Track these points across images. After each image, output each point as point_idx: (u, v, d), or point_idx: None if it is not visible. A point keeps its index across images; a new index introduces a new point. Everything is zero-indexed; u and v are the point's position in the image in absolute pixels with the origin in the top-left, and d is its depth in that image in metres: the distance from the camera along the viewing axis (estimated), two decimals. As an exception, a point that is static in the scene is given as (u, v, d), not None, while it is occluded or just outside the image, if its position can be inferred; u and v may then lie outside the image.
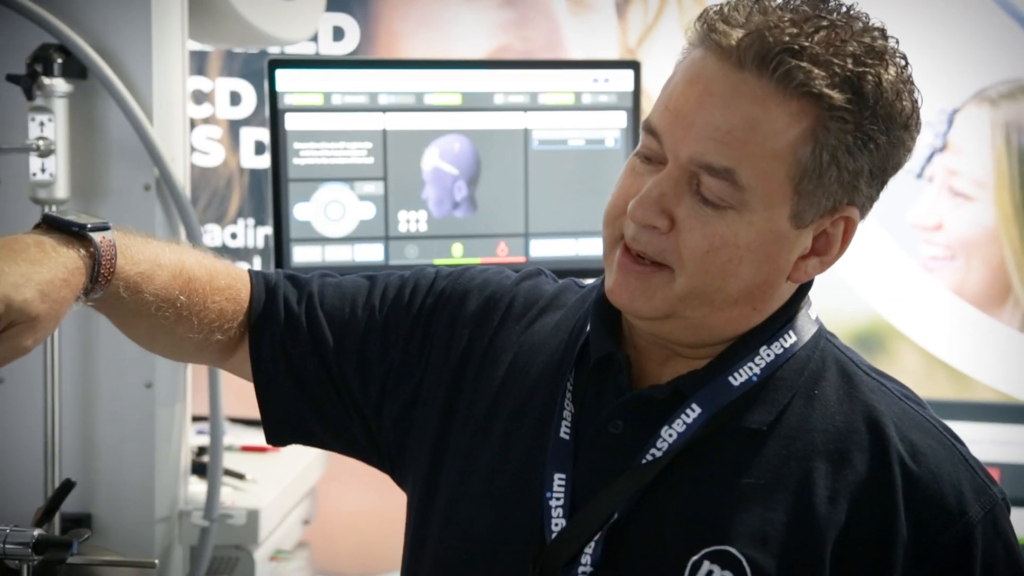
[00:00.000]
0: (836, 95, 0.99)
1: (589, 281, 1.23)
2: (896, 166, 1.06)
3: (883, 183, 1.06)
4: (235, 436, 2.41)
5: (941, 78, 2.73)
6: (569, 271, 2.17)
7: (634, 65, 2.10)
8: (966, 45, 2.72)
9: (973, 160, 2.75)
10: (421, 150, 2.02)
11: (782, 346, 1.09)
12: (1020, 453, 2.77)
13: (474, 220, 2.05)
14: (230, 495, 2.02)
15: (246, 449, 2.37)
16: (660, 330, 1.08)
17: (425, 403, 1.18)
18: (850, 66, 0.99)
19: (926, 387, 2.79)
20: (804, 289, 1.11)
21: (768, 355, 1.08)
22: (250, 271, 1.26)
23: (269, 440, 1.26)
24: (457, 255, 2.06)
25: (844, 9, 1.03)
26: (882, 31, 1.04)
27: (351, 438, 1.24)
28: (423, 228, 2.04)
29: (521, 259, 2.08)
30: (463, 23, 2.91)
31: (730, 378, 1.07)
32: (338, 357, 1.21)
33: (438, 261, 2.05)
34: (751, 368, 1.08)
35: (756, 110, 0.99)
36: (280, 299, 1.23)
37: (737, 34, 0.99)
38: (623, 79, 2.08)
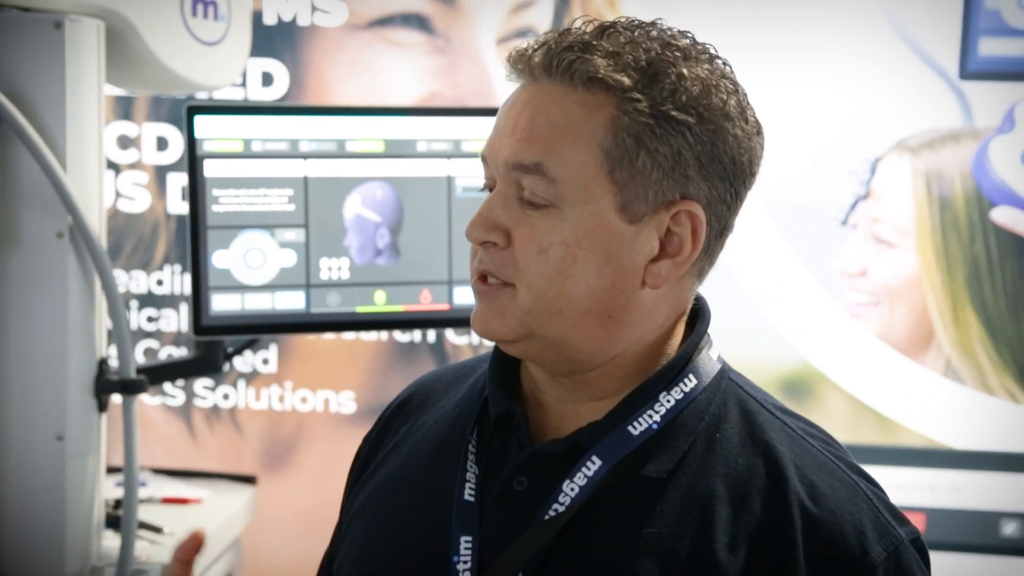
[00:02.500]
0: (623, 78, 1.02)
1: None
2: (734, 161, 1.05)
3: (726, 180, 1.05)
4: (157, 487, 2.36)
5: (863, 127, 2.78)
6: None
7: (557, 113, 2.11)
8: (888, 96, 2.77)
9: (895, 208, 2.79)
10: (343, 197, 2.01)
11: (682, 391, 1.08)
12: (945, 497, 2.79)
13: (397, 267, 2.04)
14: (146, 549, 1.98)
15: (167, 501, 2.32)
16: (527, 354, 1.09)
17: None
18: (641, 55, 1.03)
19: (853, 432, 2.81)
20: (701, 328, 1.11)
21: (668, 401, 1.07)
22: None
23: None
24: (380, 302, 2.04)
25: (647, 23, 1.07)
26: (691, 36, 1.07)
27: None
28: (345, 276, 2.02)
29: (445, 306, 2.07)
30: (393, 69, 2.91)
31: (629, 428, 1.06)
32: None
33: (360, 309, 2.03)
34: (651, 416, 1.07)
35: (553, 108, 1.03)
36: None
37: (528, 53, 1.05)
38: (547, 127, 2.09)
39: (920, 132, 2.78)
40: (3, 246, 1.80)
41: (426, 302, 2.06)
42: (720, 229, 1.08)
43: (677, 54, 1.04)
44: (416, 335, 2.95)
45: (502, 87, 3.07)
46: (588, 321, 1.05)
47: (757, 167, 1.08)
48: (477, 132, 2.07)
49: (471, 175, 2.06)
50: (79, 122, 1.81)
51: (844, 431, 2.79)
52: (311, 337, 2.91)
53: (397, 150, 2.03)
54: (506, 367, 1.13)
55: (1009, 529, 2.80)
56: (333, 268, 2.01)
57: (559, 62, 1.03)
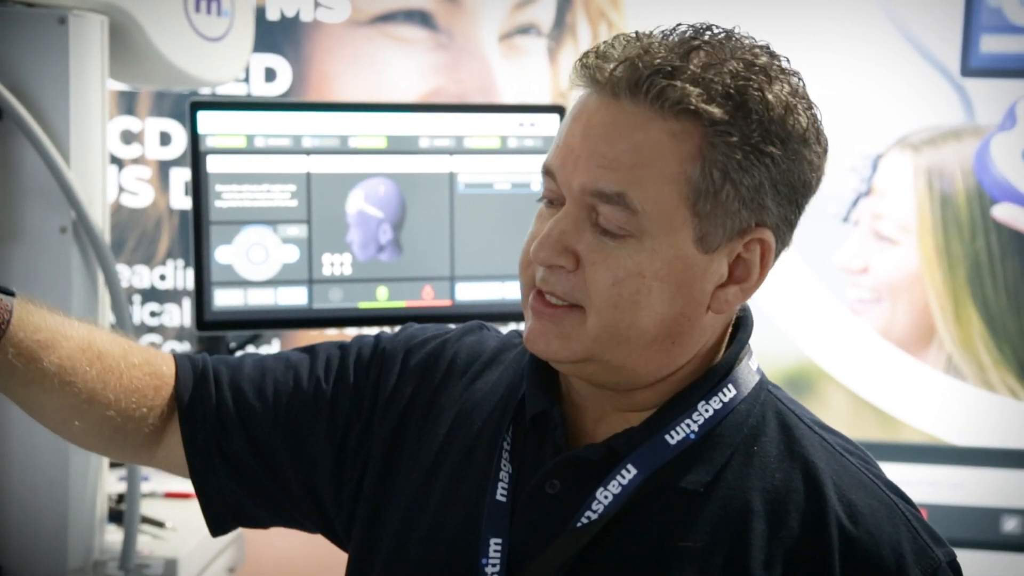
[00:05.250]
0: (715, 110, 0.97)
1: None
2: (805, 184, 1.03)
3: (795, 203, 1.03)
4: (159, 482, 2.36)
5: (865, 124, 2.78)
6: (495, 315, 2.18)
7: (559, 109, 2.11)
8: (889, 93, 2.77)
9: (897, 204, 2.80)
10: (345, 193, 2.01)
11: (721, 400, 1.05)
12: (946, 494, 2.80)
13: (399, 263, 2.04)
14: (148, 544, 1.98)
15: (170, 496, 2.32)
16: (583, 374, 1.06)
17: (372, 469, 1.16)
18: (728, 81, 0.98)
19: (854, 429, 2.81)
20: (743, 338, 1.08)
21: (707, 411, 1.05)
22: (174, 354, 1.22)
23: (212, 532, 1.22)
24: (382, 298, 2.04)
25: (723, 33, 1.02)
26: (766, 49, 1.03)
27: (296, 517, 1.21)
28: (347, 271, 2.02)
29: (447, 302, 2.07)
30: (396, 65, 2.92)
31: (667, 436, 1.04)
32: (278, 439, 1.18)
33: (362, 304, 2.03)
34: (688, 425, 1.04)
35: (637, 135, 0.98)
36: (211, 382, 1.19)
37: (610, 66, 0.99)
38: (549, 123, 2.10)
39: (921, 129, 2.78)
40: (6, 241, 1.80)
41: (428, 298, 2.07)
42: (781, 249, 1.05)
43: (761, 76, 0.99)
44: (418, 331, 2.96)
45: (505, 83, 3.09)
46: (652, 347, 1.02)
47: (820, 184, 1.05)
48: (479, 129, 2.07)
49: (473, 171, 2.07)
50: (83, 117, 1.81)
51: (845, 428, 2.77)
52: (313, 332, 2.91)
53: (400, 146, 2.03)
54: (545, 364, 1.10)
55: (1010, 525, 2.80)
56: (335, 264, 2.01)
57: (649, 86, 0.97)
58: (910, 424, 2.83)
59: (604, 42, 1.02)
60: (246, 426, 1.18)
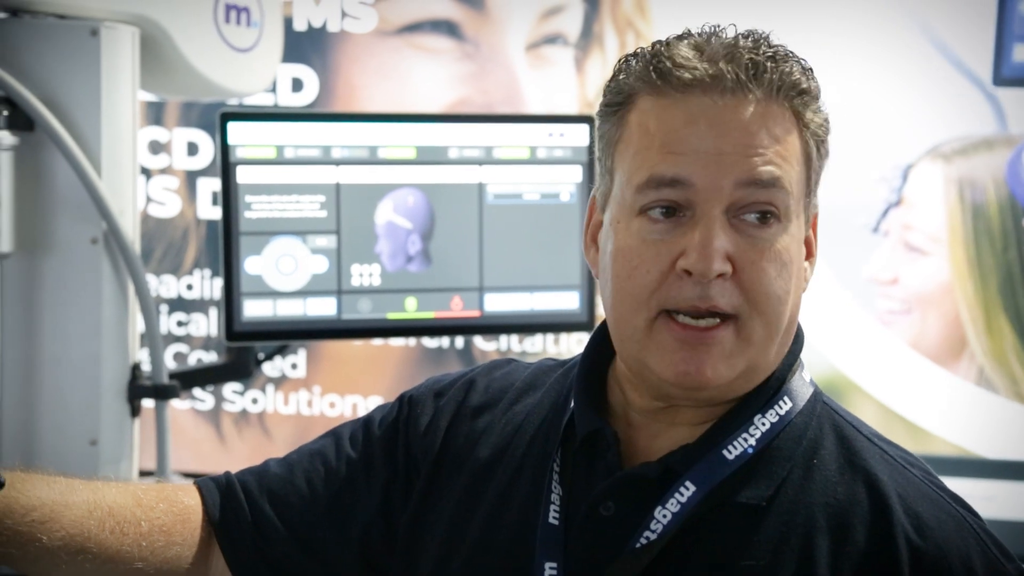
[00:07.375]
0: (808, 84, 1.02)
1: (568, 355, 1.21)
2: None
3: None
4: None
5: (896, 134, 2.76)
6: (523, 325, 2.17)
7: (589, 120, 2.10)
8: (920, 102, 2.75)
9: (927, 215, 2.77)
10: (375, 204, 2.01)
11: (777, 413, 1.04)
12: (977, 507, 2.76)
13: (428, 274, 2.04)
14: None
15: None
16: (724, 395, 1.02)
17: (414, 504, 1.15)
18: (805, 65, 1.04)
19: (884, 441, 2.79)
20: (796, 350, 1.07)
21: (763, 424, 1.03)
22: (196, 481, 1.20)
23: None
24: (411, 309, 2.04)
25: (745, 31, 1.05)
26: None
27: None
28: (376, 282, 2.02)
29: (476, 313, 2.06)
30: (422, 75, 2.91)
31: (724, 452, 1.02)
32: (322, 528, 1.17)
33: (391, 315, 2.03)
34: (746, 440, 1.02)
35: (768, 121, 1.00)
36: (239, 494, 1.18)
37: (704, 66, 0.99)
38: (578, 133, 2.09)
39: (953, 139, 2.76)
40: (38, 252, 1.81)
41: (457, 309, 2.06)
42: None
43: (793, 54, 1.04)
44: (444, 340, 2.95)
45: (532, 93, 3.07)
46: (784, 335, 1.03)
47: None
48: (509, 139, 2.06)
49: (502, 182, 2.06)
50: (114, 128, 1.82)
51: (874, 440, 2.77)
52: (339, 342, 2.91)
53: (429, 157, 2.03)
54: (593, 381, 1.09)
55: (1042, 540, 2.77)
56: (364, 274, 2.01)
57: (765, 73, 0.99)
58: (941, 436, 2.80)
59: (658, 51, 1.01)
60: (287, 526, 1.17)
